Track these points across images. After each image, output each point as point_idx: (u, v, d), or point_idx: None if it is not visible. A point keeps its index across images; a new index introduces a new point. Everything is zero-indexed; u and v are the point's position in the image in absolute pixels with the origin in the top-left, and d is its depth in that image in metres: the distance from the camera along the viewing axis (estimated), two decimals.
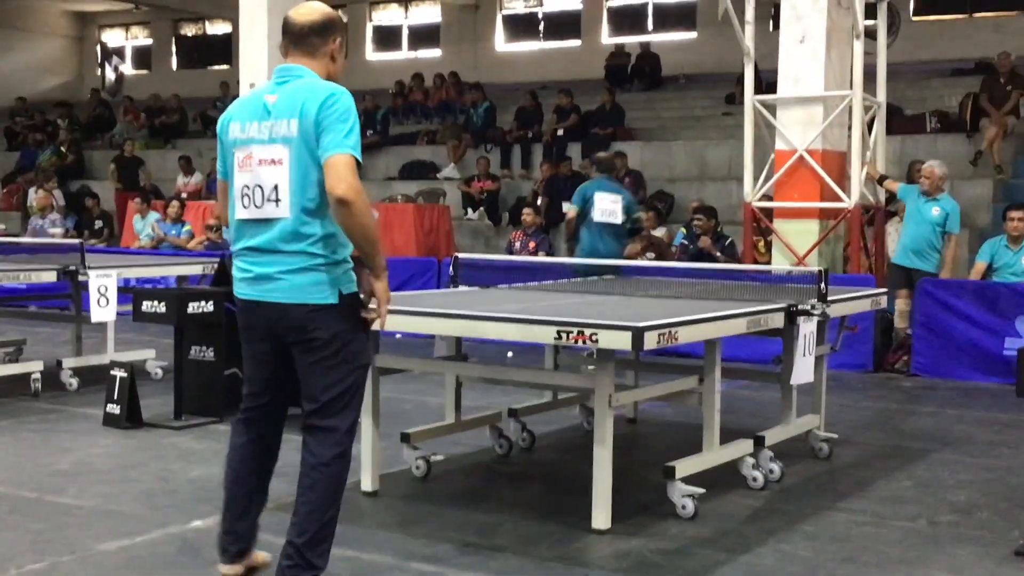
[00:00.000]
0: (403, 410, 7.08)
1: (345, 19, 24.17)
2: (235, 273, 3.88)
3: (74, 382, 8.04)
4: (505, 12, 23.24)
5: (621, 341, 4.46)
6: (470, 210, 15.96)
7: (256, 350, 3.94)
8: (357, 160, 3.63)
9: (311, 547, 3.77)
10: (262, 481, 4.07)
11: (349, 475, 3.92)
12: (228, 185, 3.92)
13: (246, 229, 3.82)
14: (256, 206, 3.76)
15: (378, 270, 3.80)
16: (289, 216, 3.70)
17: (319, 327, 3.72)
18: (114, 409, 6.86)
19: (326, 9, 3.92)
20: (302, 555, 3.76)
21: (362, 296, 3.87)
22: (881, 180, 10.63)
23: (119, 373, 6.89)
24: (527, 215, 12.59)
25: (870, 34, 10.94)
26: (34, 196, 17.42)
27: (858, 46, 10.32)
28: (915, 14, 18.66)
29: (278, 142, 3.71)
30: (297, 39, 3.86)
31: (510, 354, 5.31)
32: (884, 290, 6.87)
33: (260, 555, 4.13)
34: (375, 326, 3.91)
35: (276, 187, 3.71)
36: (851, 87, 10.29)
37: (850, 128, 10.44)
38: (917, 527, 5.00)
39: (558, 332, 4.58)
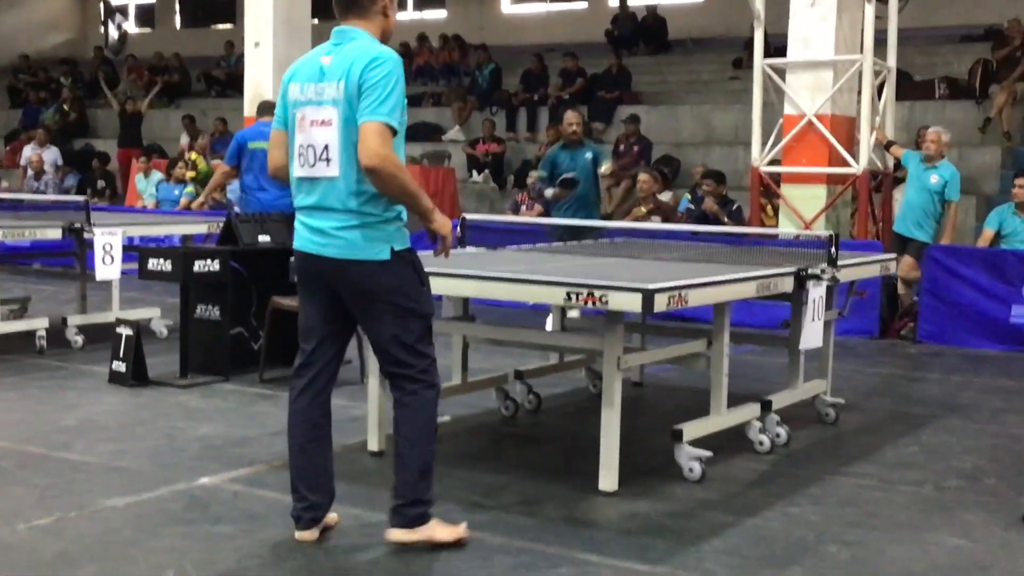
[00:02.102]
0: None
1: None
2: (296, 226, 4.04)
3: (79, 340, 8.04)
4: None
5: (631, 303, 4.44)
6: (475, 172, 15.89)
7: (314, 300, 4.06)
8: (391, 127, 3.74)
9: (418, 481, 3.98)
10: (327, 446, 4.15)
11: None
12: (284, 136, 4.07)
13: (302, 186, 3.98)
14: (310, 165, 3.91)
15: (426, 215, 3.94)
16: (338, 175, 3.85)
17: (373, 283, 3.88)
18: (120, 367, 6.86)
19: None
20: (412, 489, 3.98)
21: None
22: (888, 146, 10.57)
23: (125, 331, 6.88)
24: (533, 178, 12.52)
25: None
26: (28, 156, 17.37)
27: (869, 10, 10.22)
28: None
29: (327, 104, 3.85)
30: (348, 2, 3.97)
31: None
32: (893, 255, 6.83)
33: (331, 516, 4.20)
34: (442, 258, 4.16)
35: (327, 147, 3.86)
36: (861, 52, 10.21)
37: (860, 93, 10.36)
38: (924, 492, 5.00)
39: (568, 294, 4.56)
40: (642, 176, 11.11)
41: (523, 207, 12.43)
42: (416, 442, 3.99)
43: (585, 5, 22.02)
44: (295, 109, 3.97)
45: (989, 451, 5.75)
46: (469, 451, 5.59)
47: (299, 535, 4.09)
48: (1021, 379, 7.55)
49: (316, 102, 3.89)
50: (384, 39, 4.00)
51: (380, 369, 4.08)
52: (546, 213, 9.35)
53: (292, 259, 4.15)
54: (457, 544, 4.08)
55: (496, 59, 18.34)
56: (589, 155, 9.19)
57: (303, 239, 4.00)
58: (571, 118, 9.42)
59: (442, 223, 4.01)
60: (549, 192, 9.30)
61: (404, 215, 3.94)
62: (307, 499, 4.08)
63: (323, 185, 3.89)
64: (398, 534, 4.03)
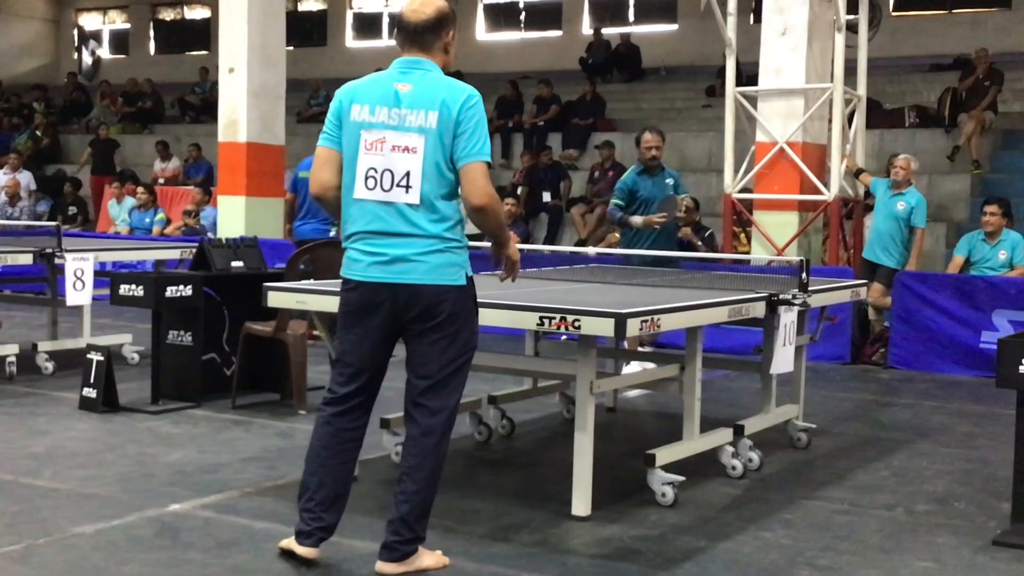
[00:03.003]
0: (383, 396, 7.00)
1: (325, 6, 24.25)
2: (354, 255, 3.98)
3: (50, 366, 7.97)
4: (485, 1, 23.17)
5: (604, 327, 4.45)
6: None
7: (367, 333, 4.02)
8: (489, 163, 3.90)
9: (419, 520, 4.01)
10: (350, 469, 4.17)
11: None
12: (336, 156, 4.02)
13: (368, 210, 3.93)
14: (383, 189, 3.89)
15: (506, 244, 4.15)
16: (418, 202, 3.87)
17: (447, 307, 3.93)
18: (90, 393, 6.80)
19: (438, 4, 4.03)
20: (411, 529, 3.99)
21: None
22: (858, 173, 10.68)
23: (96, 357, 6.83)
24: (507, 205, 12.56)
25: (851, 28, 10.99)
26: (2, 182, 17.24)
27: (839, 39, 10.36)
28: (895, 9, 18.71)
29: (413, 131, 3.87)
30: (413, 36, 4.01)
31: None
32: (864, 281, 6.89)
33: None
34: (508, 281, 4.32)
35: (408, 174, 3.87)
36: (832, 80, 10.33)
37: (830, 121, 10.48)
38: (895, 516, 5.03)
39: (540, 318, 4.57)
40: None
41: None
42: (430, 483, 4.02)
43: (559, 33, 22.17)
44: (363, 130, 3.93)
45: (959, 475, 5.79)
46: (443, 476, 5.56)
47: (304, 551, 4.05)
48: (991, 404, 7.61)
49: (397, 127, 3.88)
50: (445, 73, 4.03)
51: (408, 400, 4.06)
52: (628, 243, 8.52)
53: (344, 290, 4.06)
54: (440, 568, 4.09)
55: (471, 86, 18.39)
56: (670, 181, 8.52)
57: (367, 267, 3.95)
58: (649, 140, 8.42)
59: (515, 249, 4.20)
60: (638, 219, 8.32)
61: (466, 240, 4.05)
62: (322, 519, 4.05)
63: (398, 211, 3.89)
64: (390, 568, 4.00)
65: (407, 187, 3.88)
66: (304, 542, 4.06)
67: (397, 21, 4.08)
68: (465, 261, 4.00)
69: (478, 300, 4.11)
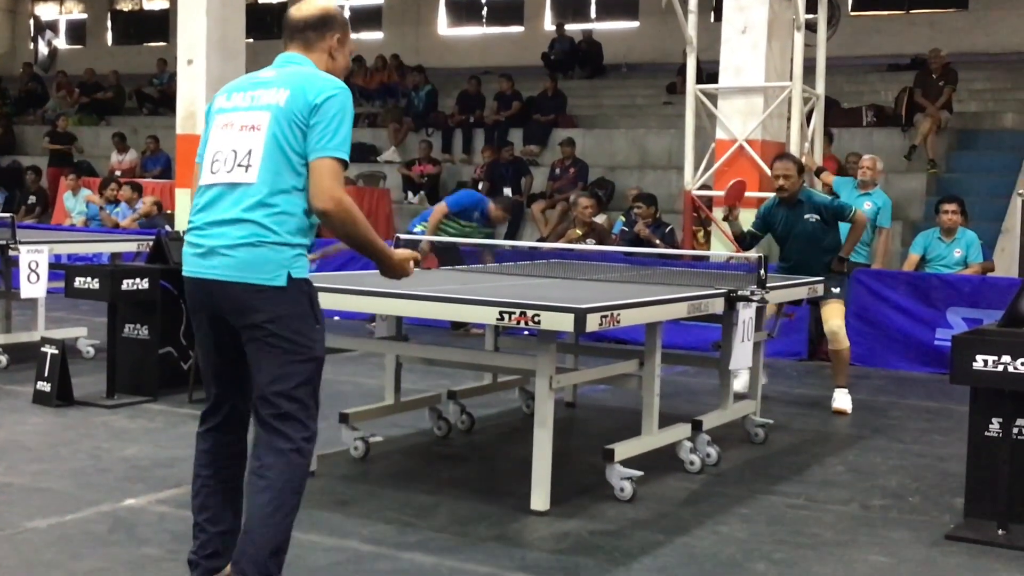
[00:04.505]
0: (341, 391, 7.03)
1: (286, 0, 24.03)
2: (184, 249, 3.64)
3: (3, 359, 7.86)
4: None
5: (563, 323, 4.46)
6: (410, 194, 15.87)
7: (204, 338, 3.68)
8: (343, 162, 3.46)
9: (265, 559, 3.40)
10: (231, 495, 3.67)
11: None
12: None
13: (206, 197, 3.57)
14: (226, 171, 3.52)
15: (384, 265, 3.73)
16: (256, 182, 3.45)
17: (262, 310, 3.44)
18: (44, 387, 6.72)
19: (325, 4, 3.74)
20: (258, 569, 3.38)
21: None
22: (818, 172, 10.76)
23: (50, 350, 6.75)
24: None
25: (810, 27, 11.08)
26: None
27: (799, 38, 10.45)
28: (853, 9, 18.88)
29: (260, 108, 3.51)
30: (293, 32, 3.70)
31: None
32: (821, 279, 6.94)
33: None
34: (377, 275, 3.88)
35: (249, 152, 3.48)
36: (791, 78, 10.41)
37: (789, 119, 10.55)
38: (850, 511, 5.08)
39: (500, 313, 4.57)
40: (584, 201, 11.15)
41: None
42: (277, 509, 3.41)
43: (521, 29, 22.17)
44: (218, 116, 3.63)
45: (914, 471, 5.86)
46: (401, 471, 5.57)
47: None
48: (945, 401, 7.70)
49: (246, 107, 3.55)
50: None
51: (254, 418, 3.54)
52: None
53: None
54: None
55: (432, 81, 18.37)
56: (813, 218, 7.27)
57: (189, 264, 3.60)
58: (776, 168, 7.38)
59: (398, 269, 3.76)
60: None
61: (310, 246, 3.58)
62: (204, 547, 3.64)
63: (232, 195, 3.48)
64: None
65: (247, 167, 3.47)
66: (193, 574, 3.68)
67: (283, 19, 3.79)
68: (288, 260, 3.45)
69: (318, 306, 3.58)
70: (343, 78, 3.68)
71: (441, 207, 9.88)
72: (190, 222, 3.63)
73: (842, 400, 7.41)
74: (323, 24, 3.71)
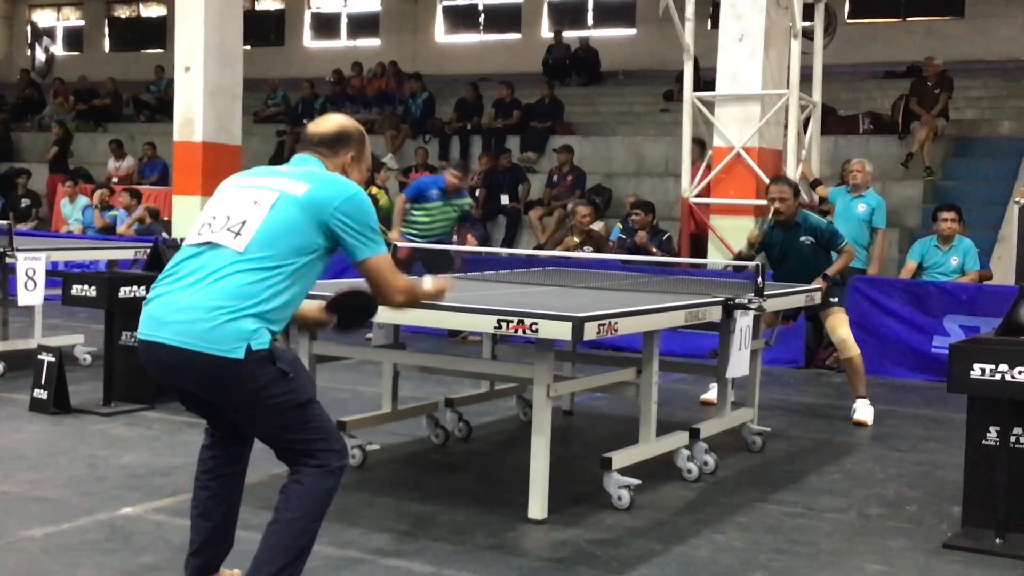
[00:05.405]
0: (338, 399, 7.02)
1: (283, 5, 24.10)
2: (145, 306, 3.51)
3: (0, 367, 7.85)
4: (445, 3, 23.11)
5: (561, 331, 4.46)
6: None
7: (181, 396, 3.66)
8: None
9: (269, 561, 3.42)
10: (228, 492, 3.75)
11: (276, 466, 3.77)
12: None
13: (183, 256, 3.51)
14: (212, 232, 3.45)
15: (433, 301, 4.03)
16: (240, 251, 3.38)
17: (227, 385, 3.37)
18: (41, 394, 6.71)
19: (344, 122, 3.76)
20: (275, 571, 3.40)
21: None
22: (815, 184, 10.78)
23: (47, 358, 6.74)
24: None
25: (807, 35, 11.10)
26: None
27: (795, 46, 10.47)
28: (850, 17, 18.91)
29: (267, 189, 3.49)
30: (307, 146, 3.71)
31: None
32: (818, 286, 6.94)
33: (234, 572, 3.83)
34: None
35: (244, 222, 3.42)
36: (788, 86, 10.42)
37: (786, 127, 10.57)
38: (848, 519, 5.07)
39: (498, 321, 4.56)
40: (582, 209, 11.13)
41: (455, 236, 12.30)
42: (300, 518, 3.48)
43: (518, 36, 22.20)
44: (220, 192, 3.62)
45: (911, 479, 5.86)
46: (398, 479, 5.56)
47: None
48: (942, 408, 7.71)
49: (254, 186, 3.54)
50: None
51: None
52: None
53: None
54: None
55: (430, 88, 18.38)
56: (808, 240, 7.25)
57: (144, 325, 3.47)
58: (772, 192, 7.28)
59: (441, 296, 3.98)
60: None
61: (277, 326, 3.45)
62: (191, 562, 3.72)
63: (213, 252, 3.41)
64: None
65: (236, 233, 3.40)
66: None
67: (302, 133, 3.85)
68: (249, 333, 3.32)
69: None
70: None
71: (400, 198, 10.53)
72: (153, 291, 3.54)
73: (863, 411, 7.30)
74: (338, 141, 3.71)
